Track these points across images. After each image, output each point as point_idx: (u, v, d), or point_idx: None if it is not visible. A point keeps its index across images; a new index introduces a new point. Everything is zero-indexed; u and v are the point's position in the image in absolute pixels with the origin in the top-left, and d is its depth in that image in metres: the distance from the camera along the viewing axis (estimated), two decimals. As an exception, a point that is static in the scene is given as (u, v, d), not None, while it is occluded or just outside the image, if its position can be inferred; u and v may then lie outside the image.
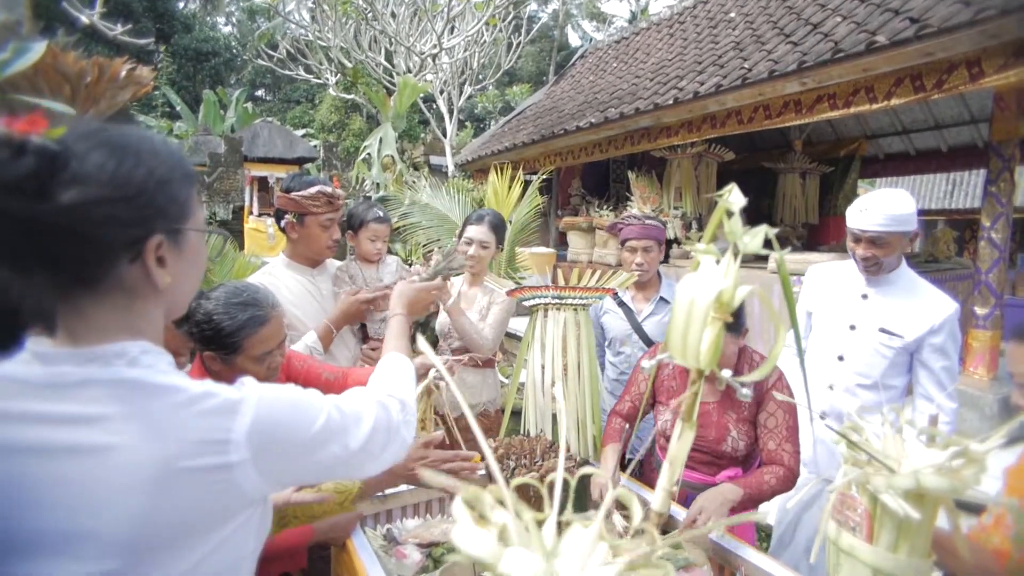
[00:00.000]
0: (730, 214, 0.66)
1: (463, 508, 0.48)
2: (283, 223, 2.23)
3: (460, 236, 2.63)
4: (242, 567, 0.81)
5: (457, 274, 1.66)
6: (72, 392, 0.69)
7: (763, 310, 4.29)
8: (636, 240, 2.50)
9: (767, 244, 0.67)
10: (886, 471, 0.85)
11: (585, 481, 2.06)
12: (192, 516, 0.71)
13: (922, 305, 2.07)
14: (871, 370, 2.13)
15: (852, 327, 2.18)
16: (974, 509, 2.85)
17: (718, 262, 0.69)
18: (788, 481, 1.78)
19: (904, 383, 2.16)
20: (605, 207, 7.06)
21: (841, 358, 2.20)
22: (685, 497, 1.92)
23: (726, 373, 1.20)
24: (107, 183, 0.69)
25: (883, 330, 2.10)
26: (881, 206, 2.00)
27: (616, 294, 2.58)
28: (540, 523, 0.51)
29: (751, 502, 1.75)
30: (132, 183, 0.71)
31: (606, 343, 2.69)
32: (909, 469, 0.84)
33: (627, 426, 2.11)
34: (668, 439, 1.92)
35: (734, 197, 0.66)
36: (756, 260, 4.80)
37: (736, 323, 1.75)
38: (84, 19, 3.33)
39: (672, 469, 0.64)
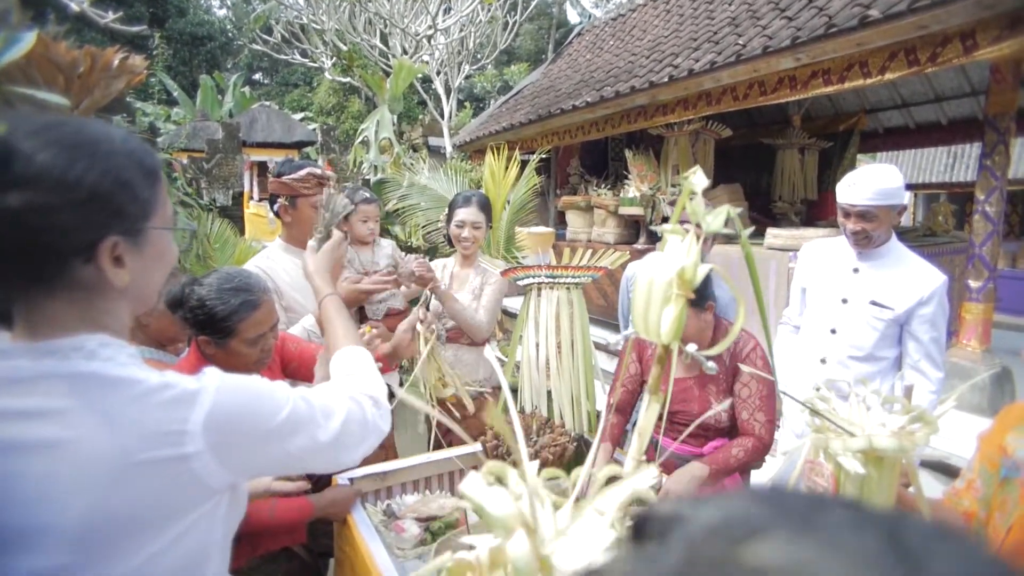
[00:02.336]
0: (693, 195, 0.69)
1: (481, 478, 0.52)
2: (276, 207, 2.26)
3: (449, 220, 2.64)
4: (211, 554, 0.79)
5: (341, 216, 1.50)
6: (27, 387, 0.68)
7: (776, 286, 4.28)
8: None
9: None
10: (846, 435, 0.89)
11: (583, 455, 2.11)
12: (150, 508, 0.70)
13: (911, 277, 2.11)
14: (863, 342, 2.17)
15: (844, 300, 2.21)
16: (953, 473, 2.90)
17: (683, 240, 0.72)
18: (757, 451, 1.83)
19: (895, 354, 2.20)
20: (604, 185, 7.03)
21: (834, 331, 2.24)
22: (674, 468, 1.97)
23: (691, 348, 1.24)
24: (55, 187, 0.66)
25: (874, 303, 2.14)
26: (870, 181, 2.05)
27: None
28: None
29: (721, 476, 1.81)
30: (83, 186, 0.68)
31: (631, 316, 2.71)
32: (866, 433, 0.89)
33: (621, 419, 2.14)
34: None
35: (697, 179, 0.68)
36: (752, 236, 4.80)
37: (699, 299, 1.79)
38: (74, 6, 3.30)
39: (641, 440, 0.68)
